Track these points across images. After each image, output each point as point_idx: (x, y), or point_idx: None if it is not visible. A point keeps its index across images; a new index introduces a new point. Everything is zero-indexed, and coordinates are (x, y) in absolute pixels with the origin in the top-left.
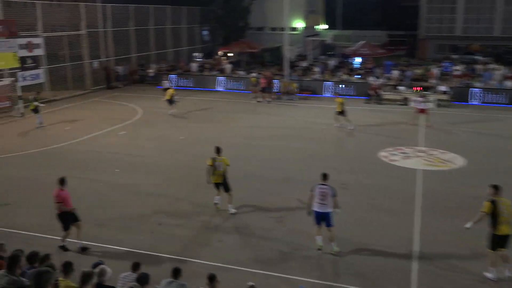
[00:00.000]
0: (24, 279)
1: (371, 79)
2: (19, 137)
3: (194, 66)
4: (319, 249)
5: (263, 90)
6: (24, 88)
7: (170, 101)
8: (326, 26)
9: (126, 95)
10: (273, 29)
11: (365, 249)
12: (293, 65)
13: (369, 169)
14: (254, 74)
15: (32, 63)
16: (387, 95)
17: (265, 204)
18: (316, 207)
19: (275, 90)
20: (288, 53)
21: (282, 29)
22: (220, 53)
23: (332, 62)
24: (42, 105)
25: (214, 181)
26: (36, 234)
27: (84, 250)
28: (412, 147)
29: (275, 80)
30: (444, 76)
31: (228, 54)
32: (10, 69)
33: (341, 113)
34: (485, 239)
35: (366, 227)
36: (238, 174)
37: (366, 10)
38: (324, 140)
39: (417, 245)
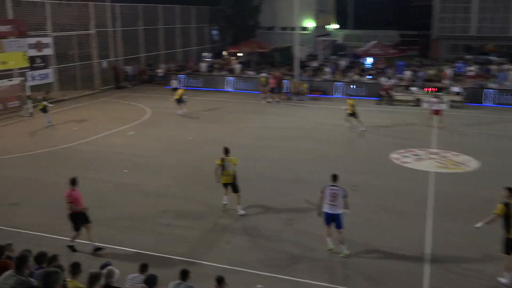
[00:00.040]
0: (32, 279)
1: (383, 80)
2: (27, 137)
3: (203, 66)
4: (329, 250)
5: (272, 90)
6: (33, 88)
7: (179, 101)
8: (337, 26)
9: (135, 95)
10: (283, 28)
11: (375, 251)
12: (303, 65)
13: (380, 171)
14: (263, 74)
15: (41, 63)
16: (399, 96)
17: (274, 205)
18: (326, 208)
19: (285, 91)
20: (299, 53)
21: (293, 28)
22: (224, 53)
23: (343, 62)
24: (50, 105)
25: (223, 181)
26: (44, 234)
27: (98, 250)
28: (424, 149)
29: (285, 81)
30: (457, 77)
31: (238, 54)
32: (20, 68)
33: (353, 114)
34: (499, 243)
35: (376, 229)
36: (247, 174)
37: (377, 9)
38: (335, 141)
39: (429, 248)
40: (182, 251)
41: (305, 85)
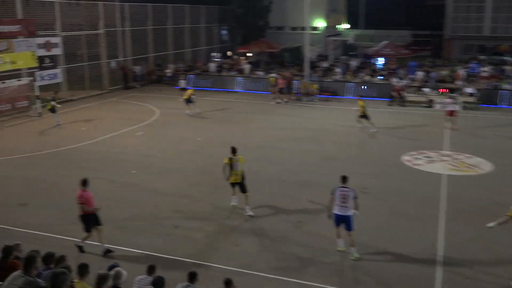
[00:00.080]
0: (40, 280)
1: (395, 81)
2: (36, 137)
3: (212, 66)
4: (340, 250)
5: (281, 91)
6: (42, 88)
7: (188, 101)
8: (348, 26)
9: (143, 95)
10: (294, 28)
11: (386, 255)
12: (313, 66)
13: (391, 173)
14: (273, 75)
15: (50, 63)
16: (411, 97)
17: (283, 207)
18: (336, 210)
19: (295, 91)
20: (309, 53)
21: (303, 28)
22: (229, 53)
23: (354, 63)
24: (58, 105)
25: (232, 180)
26: (52, 235)
27: (108, 252)
28: (436, 151)
29: (295, 81)
30: (471, 78)
31: (247, 54)
32: (28, 68)
33: (364, 116)
34: None
35: (388, 233)
36: (256, 176)
37: (389, 9)
38: (345, 142)
39: (441, 251)
40: (190, 253)
41: (315, 86)
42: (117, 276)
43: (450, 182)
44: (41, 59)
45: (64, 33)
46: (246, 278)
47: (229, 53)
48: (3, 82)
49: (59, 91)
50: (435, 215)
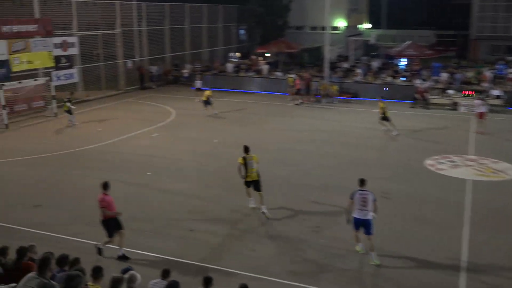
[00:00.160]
0: (54, 282)
1: (418, 82)
2: (52, 137)
3: (229, 66)
4: (359, 252)
5: (299, 91)
6: (58, 88)
7: (206, 103)
8: (370, 25)
9: (160, 96)
10: (313, 28)
11: (408, 262)
12: (333, 66)
13: (413, 178)
14: (291, 75)
15: (66, 63)
16: (435, 99)
17: (301, 211)
18: (356, 214)
19: (314, 93)
20: (329, 53)
21: (323, 28)
22: (237, 54)
23: (375, 64)
24: (73, 107)
25: (249, 179)
26: (66, 237)
27: (123, 258)
28: (461, 155)
29: (314, 82)
30: (497, 80)
31: (266, 54)
32: (45, 68)
33: (385, 118)
34: None
35: (410, 239)
36: (273, 179)
37: (412, 8)
38: (365, 145)
39: (465, 260)
40: (205, 257)
41: (335, 87)
42: (131, 279)
43: (475, 187)
44: (57, 59)
45: (81, 33)
46: (262, 283)
47: (238, 54)
48: (19, 82)
49: (74, 92)
50: (459, 221)
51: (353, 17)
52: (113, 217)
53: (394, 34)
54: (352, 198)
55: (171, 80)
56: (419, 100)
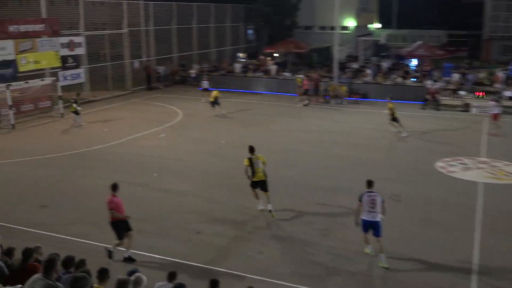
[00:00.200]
0: (59, 284)
1: (429, 83)
2: (58, 138)
3: (237, 66)
4: (368, 253)
5: (306, 92)
6: (64, 88)
7: (214, 103)
8: (380, 25)
9: (167, 96)
10: (322, 28)
11: (417, 265)
12: (343, 67)
13: (424, 181)
14: (300, 75)
15: (73, 63)
16: (446, 100)
17: (309, 213)
18: (365, 216)
19: (323, 93)
20: (338, 53)
21: (332, 28)
22: (242, 55)
23: (385, 64)
24: (79, 108)
25: (256, 179)
26: (71, 238)
27: (129, 260)
28: (473, 157)
29: (323, 83)
30: (510, 80)
31: (274, 54)
32: (51, 68)
33: (394, 118)
34: None
35: (420, 242)
36: (280, 180)
37: (424, 7)
38: (375, 147)
39: (476, 263)
40: (211, 259)
41: (344, 88)
42: (137, 282)
43: (486, 190)
44: (64, 58)
45: (87, 33)
46: (269, 286)
47: (242, 55)
48: (26, 82)
49: (81, 93)
50: (471, 225)
51: (363, 17)
52: (123, 219)
53: (405, 34)
54: (360, 200)
55: (178, 80)
56: (430, 101)
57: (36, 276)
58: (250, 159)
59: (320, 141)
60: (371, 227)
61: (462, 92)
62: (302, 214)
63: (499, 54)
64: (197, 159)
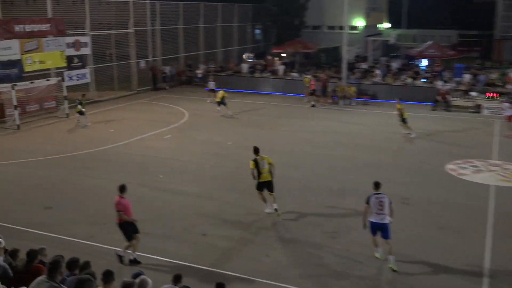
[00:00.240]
0: (64, 286)
1: (439, 84)
2: (63, 138)
3: (244, 67)
4: (378, 258)
5: (313, 93)
6: (70, 88)
7: (220, 103)
8: (389, 25)
9: (173, 97)
10: (331, 27)
11: (427, 269)
12: (351, 67)
13: (434, 183)
14: (308, 76)
15: (78, 63)
16: (457, 101)
17: (317, 216)
18: (373, 218)
19: (331, 94)
20: (347, 54)
21: (341, 27)
22: (245, 56)
23: (395, 64)
24: (83, 109)
25: (263, 179)
26: (76, 240)
27: (135, 262)
28: (484, 160)
29: (331, 83)
30: None
31: (282, 54)
32: (57, 68)
33: (403, 120)
34: None
35: (429, 246)
36: (288, 183)
37: (434, 7)
38: (384, 149)
39: (487, 268)
40: (217, 263)
41: (353, 89)
42: (142, 284)
43: (498, 193)
44: (69, 58)
45: (93, 32)
46: None
47: (245, 56)
48: (31, 82)
49: (86, 94)
50: (482, 228)
51: (372, 16)
52: (130, 221)
53: (415, 33)
54: (368, 202)
55: (184, 80)
56: (440, 102)
57: (40, 278)
58: (255, 161)
59: (328, 142)
60: (380, 229)
61: (473, 93)
62: (310, 216)
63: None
64: (203, 160)
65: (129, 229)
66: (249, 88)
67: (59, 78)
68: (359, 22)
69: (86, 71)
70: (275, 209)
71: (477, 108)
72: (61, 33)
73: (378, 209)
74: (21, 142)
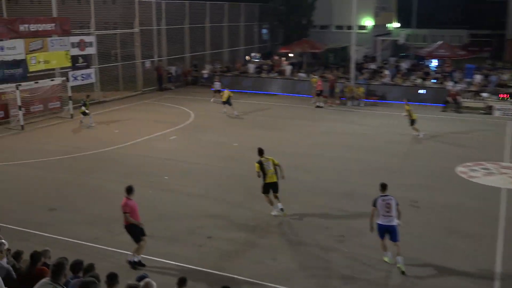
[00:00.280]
0: None
1: (449, 84)
2: (67, 139)
3: (251, 67)
4: (386, 262)
5: (320, 93)
6: (75, 88)
7: (225, 103)
8: (399, 25)
9: (178, 97)
10: (339, 27)
11: (437, 273)
12: (360, 68)
13: (444, 186)
14: (316, 76)
15: (83, 62)
16: (468, 102)
17: (325, 219)
18: (380, 220)
19: (339, 95)
20: (355, 54)
21: (349, 27)
22: (248, 57)
23: (404, 65)
24: (87, 110)
25: (269, 180)
26: (80, 242)
27: (139, 265)
28: (496, 162)
29: (339, 84)
30: None
31: (289, 55)
32: (61, 68)
33: (412, 121)
34: None
35: (439, 250)
36: (295, 186)
37: (445, 6)
38: (393, 151)
39: (498, 273)
40: (223, 266)
41: (361, 89)
42: (147, 287)
43: (510, 197)
44: (74, 58)
45: (98, 32)
46: None
47: (247, 57)
48: (36, 82)
49: (90, 95)
50: (493, 232)
51: (381, 16)
52: (136, 224)
53: (425, 33)
54: (374, 205)
55: (190, 81)
56: (450, 103)
57: (44, 280)
58: (260, 163)
59: (336, 144)
60: (387, 231)
61: (484, 94)
62: (317, 219)
63: None
64: (208, 161)
65: (136, 231)
66: (256, 88)
67: (64, 78)
68: (368, 22)
69: (91, 71)
70: (281, 209)
71: (488, 109)
72: (66, 33)
73: (385, 211)
74: (25, 143)
